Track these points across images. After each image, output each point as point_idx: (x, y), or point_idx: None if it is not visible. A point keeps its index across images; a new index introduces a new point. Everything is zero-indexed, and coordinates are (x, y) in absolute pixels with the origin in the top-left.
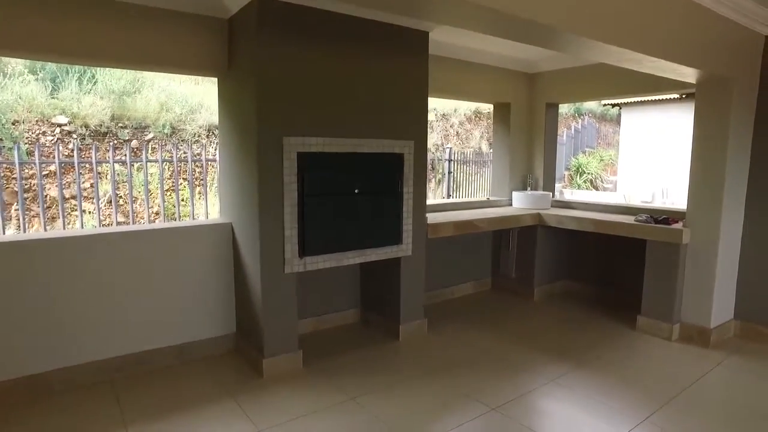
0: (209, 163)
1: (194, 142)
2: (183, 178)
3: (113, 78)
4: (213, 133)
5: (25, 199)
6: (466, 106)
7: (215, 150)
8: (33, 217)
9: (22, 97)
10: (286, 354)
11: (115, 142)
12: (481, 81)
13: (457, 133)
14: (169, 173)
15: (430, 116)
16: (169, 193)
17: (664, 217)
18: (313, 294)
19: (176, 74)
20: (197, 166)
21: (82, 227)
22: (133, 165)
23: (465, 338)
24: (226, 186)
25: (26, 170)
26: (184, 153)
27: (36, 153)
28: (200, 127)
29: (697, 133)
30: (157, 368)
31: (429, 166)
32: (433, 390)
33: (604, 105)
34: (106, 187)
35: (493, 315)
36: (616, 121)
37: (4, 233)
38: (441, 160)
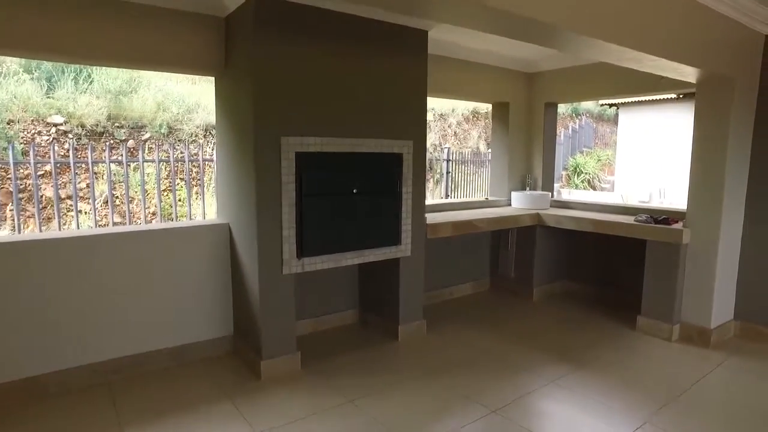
0: (206, 163)
1: (191, 142)
2: (180, 179)
3: (109, 77)
4: (210, 132)
5: (20, 199)
6: (463, 106)
7: (212, 150)
8: (28, 217)
9: (17, 97)
10: (284, 356)
11: (112, 141)
12: (479, 80)
13: (455, 133)
14: (166, 173)
15: (428, 116)
16: (166, 194)
17: (664, 217)
18: (311, 295)
19: (172, 73)
20: (194, 166)
21: (78, 228)
22: (129, 165)
23: (464, 339)
24: (223, 186)
25: (21, 170)
26: (181, 153)
27: (31, 153)
28: (197, 127)
29: (697, 133)
30: (154, 370)
31: (427, 166)
32: (433, 391)
33: (602, 105)
34: (102, 188)
35: (492, 315)
36: (614, 121)
37: None
38: (439, 160)
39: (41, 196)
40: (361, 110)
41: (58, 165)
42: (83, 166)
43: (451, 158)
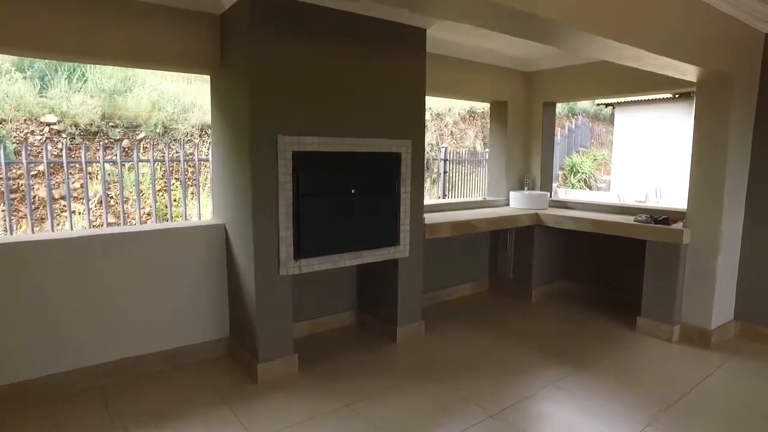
0: (202, 162)
1: (186, 142)
2: (175, 178)
3: (104, 76)
4: (206, 132)
5: (12, 200)
6: (460, 106)
7: (208, 149)
8: (21, 218)
9: (9, 96)
10: (281, 358)
11: (106, 141)
12: (478, 79)
13: (452, 132)
14: (161, 173)
15: (425, 116)
16: (161, 194)
17: (663, 217)
18: (308, 296)
19: (167, 72)
20: (190, 165)
21: (72, 229)
22: (124, 165)
23: (463, 340)
24: (219, 186)
25: (14, 170)
26: (177, 152)
27: (23, 152)
28: (193, 127)
29: (697, 132)
30: (148, 374)
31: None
32: (432, 394)
33: (598, 105)
34: (96, 188)
35: (491, 316)
36: (609, 120)
37: None
38: (436, 159)
39: (34, 197)
40: (359, 109)
41: (51, 165)
42: (77, 165)
43: (448, 158)
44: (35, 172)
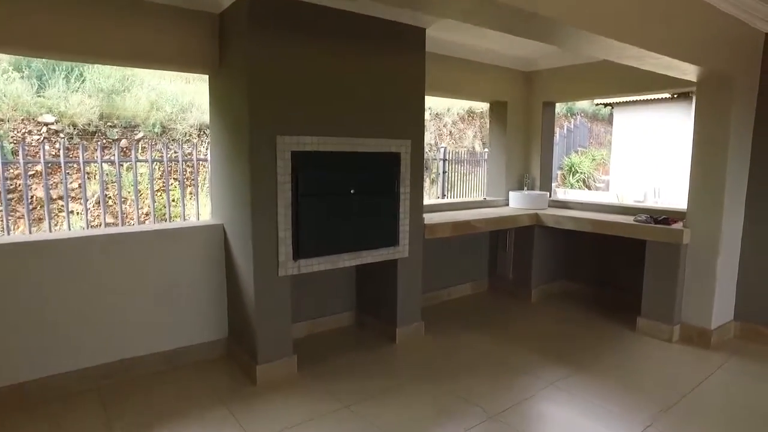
0: (200, 162)
1: (185, 142)
2: (174, 179)
3: (102, 76)
4: (204, 132)
5: (10, 200)
6: (459, 106)
7: (206, 149)
8: (18, 218)
9: (6, 95)
10: (280, 359)
11: (104, 141)
12: (477, 79)
13: (450, 132)
14: (160, 173)
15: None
16: (159, 194)
17: (663, 217)
18: (307, 296)
19: (165, 71)
20: (188, 166)
21: (70, 229)
22: (122, 165)
23: (463, 341)
24: (217, 186)
25: (11, 170)
26: (175, 152)
27: (20, 152)
28: (191, 127)
29: (697, 132)
30: (146, 375)
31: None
32: (432, 395)
33: (596, 105)
34: (94, 188)
35: (490, 317)
36: (608, 120)
37: None
38: (435, 159)
39: (32, 197)
40: (358, 109)
41: (49, 165)
42: (75, 166)
43: (447, 158)
44: (33, 172)
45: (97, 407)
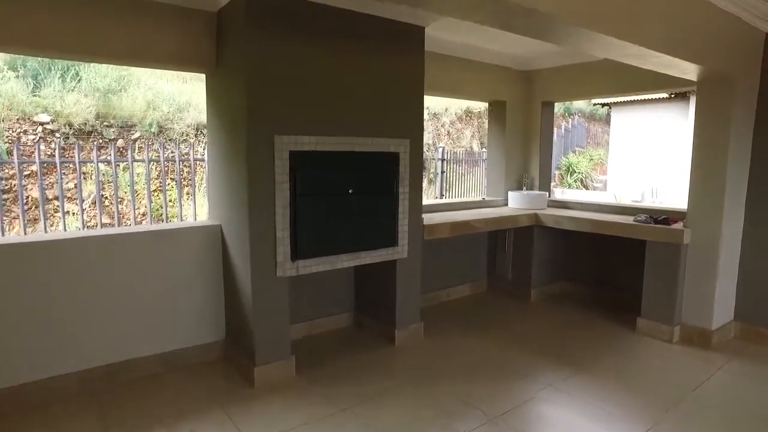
0: (197, 162)
1: (182, 142)
2: (171, 179)
3: (98, 75)
4: (201, 132)
5: (5, 200)
6: (456, 106)
7: (204, 149)
8: (13, 218)
9: (1, 95)
10: (278, 361)
11: (101, 141)
12: (476, 79)
13: (448, 132)
14: (156, 173)
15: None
16: (156, 194)
17: (663, 217)
18: (305, 297)
19: (162, 70)
20: (185, 165)
21: (66, 230)
22: (118, 165)
23: (462, 342)
24: (214, 186)
25: (6, 170)
26: (172, 152)
27: (15, 152)
28: (188, 126)
29: (697, 132)
30: (143, 377)
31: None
32: (431, 398)
33: (594, 105)
34: (91, 188)
35: (490, 318)
36: (605, 120)
37: None
38: (434, 159)
39: (27, 197)
40: (357, 108)
41: (45, 165)
42: (71, 166)
43: (445, 158)
44: (28, 172)
45: (93, 411)
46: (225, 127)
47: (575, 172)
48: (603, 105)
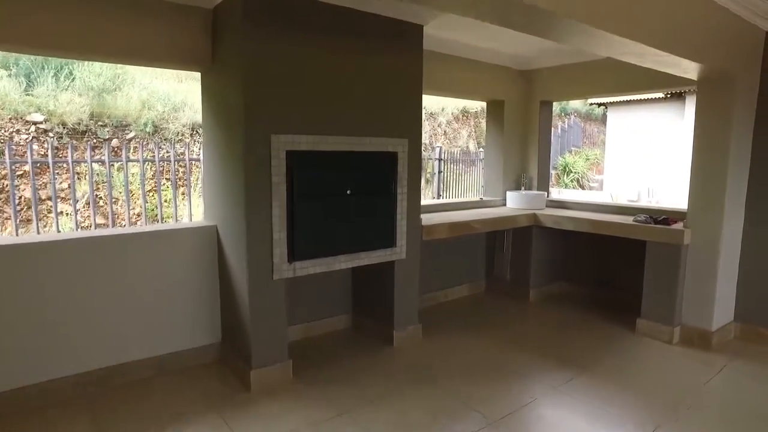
0: (193, 162)
1: (177, 141)
2: (166, 179)
3: (92, 74)
4: (197, 131)
5: None
6: (453, 105)
7: (199, 149)
8: (5, 219)
9: None
10: (274, 364)
11: (95, 141)
12: (474, 78)
13: (445, 132)
14: (151, 173)
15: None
16: (151, 194)
17: (663, 218)
18: (302, 299)
19: (156, 68)
20: (180, 165)
21: (59, 230)
22: (113, 165)
23: (461, 344)
24: (210, 187)
25: None
26: (167, 152)
27: (6, 152)
28: (184, 126)
29: (697, 131)
30: (137, 381)
31: None
32: (430, 400)
33: (590, 104)
34: (84, 188)
35: (489, 319)
36: (601, 120)
37: None
38: (431, 159)
39: (20, 198)
40: (354, 107)
41: (37, 165)
42: (64, 166)
43: (442, 157)
44: (21, 172)
45: (85, 416)
46: (221, 127)
47: (572, 172)
48: (599, 105)
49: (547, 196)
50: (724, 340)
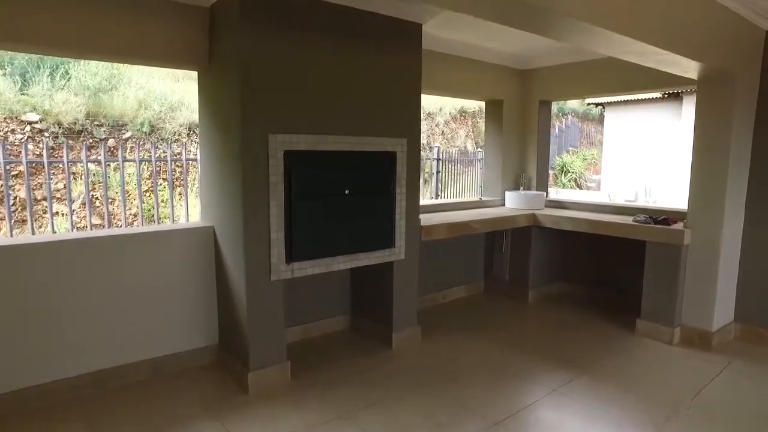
0: (190, 162)
1: (174, 141)
2: (162, 179)
3: (88, 74)
4: (194, 131)
5: None
6: (451, 105)
7: (196, 149)
8: (0, 219)
9: None
10: (272, 366)
11: (91, 140)
12: (473, 77)
13: (443, 132)
14: (148, 173)
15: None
16: (147, 195)
17: (663, 218)
18: (300, 300)
19: (152, 67)
20: (177, 165)
21: (54, 231)
22: (109, 165)
23: (461, 345)
24: (207, 187)
25: None
26: (164, 152)
27: (1, 151)
28: (180, 126)
29: (698, 131)
30: (133, 384)
31: None
32: (430, 402)
33: (587, 104)
34: (80, 189)
35: (488, 319)
36: (599, 120)
37: None
38: (429, 159)
39: (15, 198)
40: (353, 106)
41: (32, 165)
42: (59, 166)
43: (441, 157)
44: (16, 173)
45: (80, 419)
46: (218, 126)
47: (569, 171)
48: (596, 105)
49: (546, 196)
50: (724, 340)
